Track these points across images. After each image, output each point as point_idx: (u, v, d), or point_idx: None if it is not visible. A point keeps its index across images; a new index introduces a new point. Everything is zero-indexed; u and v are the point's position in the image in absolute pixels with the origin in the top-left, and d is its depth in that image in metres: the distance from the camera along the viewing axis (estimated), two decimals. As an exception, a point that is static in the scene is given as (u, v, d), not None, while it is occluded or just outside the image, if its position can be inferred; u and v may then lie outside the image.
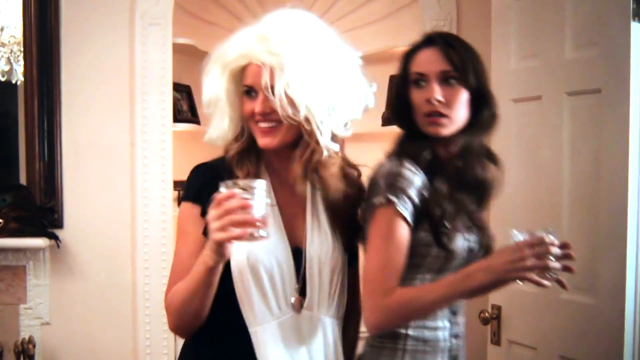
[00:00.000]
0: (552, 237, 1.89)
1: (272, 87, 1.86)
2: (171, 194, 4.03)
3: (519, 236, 1.92)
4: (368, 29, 4.70)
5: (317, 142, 1.94)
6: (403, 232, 2.03)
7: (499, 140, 2.32)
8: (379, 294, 2.01)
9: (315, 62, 1.88)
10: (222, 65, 1.95)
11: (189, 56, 4.39)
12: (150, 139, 3.98)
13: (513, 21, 3.09)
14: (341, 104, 1.96)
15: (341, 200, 2.05)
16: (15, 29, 4.05)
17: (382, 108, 4.57)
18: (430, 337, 2.10)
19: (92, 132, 3.96)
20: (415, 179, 2.03)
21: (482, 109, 2.10)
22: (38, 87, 3.89)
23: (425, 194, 2.04)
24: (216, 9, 4.80)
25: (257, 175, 1.97)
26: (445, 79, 2.07)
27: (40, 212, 3.88)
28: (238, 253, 1.86)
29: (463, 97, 2.07)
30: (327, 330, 2.03)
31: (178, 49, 4.18)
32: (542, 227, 1.94)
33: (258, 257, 1.91)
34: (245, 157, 2.00)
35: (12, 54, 4.09)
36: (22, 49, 3.96)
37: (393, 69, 4.59)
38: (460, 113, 2.08)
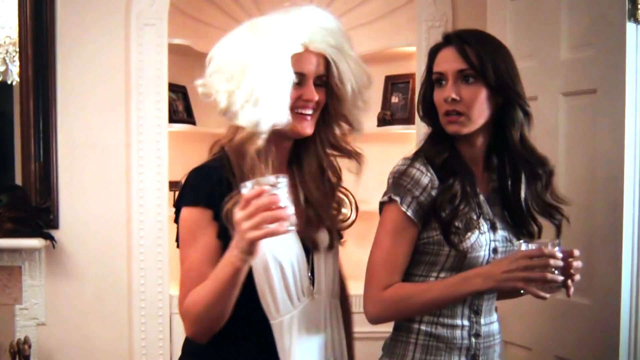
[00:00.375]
0: (556, 250, 1.90)
1: (324, 76, 2.00)
2: (167, 194, 4.03)
3: (525, 246, 1.94)
4: (363, 30, 4.69)
5: (350, 122, 2.11)
6: (406, 230, 2.07)
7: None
8: (377, 286, 2.07)
9: (355, 56, 2.04)
10: (283, 49, 1.93)
11: (184, 57, 4.39)
12: (146, 139, 3.98)
13: (508, 22, 3.09)
14: (367, 95, 2.12)
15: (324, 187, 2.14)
16: (10, 30, 4.05)
17: (378, 108, 4.57)
18: (444, 334, 2.11)
19: (87, 133, 3.96)
20: (422, 178, 2.06)
21: (509, 105, 2.09)
22: (33, 87, 3.89)
23: (434, 193, 2.05)
24: (211, 10, 4.79)
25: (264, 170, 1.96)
26: (463, 78, 2.06)
27: (35, 212, 3.88)
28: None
29: (482, 95, 2.06)
30: (332, 311, 2.11)
31: (173, 50, 4.18)
32: (550, 239, 1.96)
33: (279, 251, 1.94)
34: (262, 153, 1.96)
35: (8, 54, 4.08)
36: (17, 49, 3.96)
37: (388, 69, 4.61)
38: (479, 111, 2.07)
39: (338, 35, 2.01)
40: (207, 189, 1.92)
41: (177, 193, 2.09)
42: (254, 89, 1.89)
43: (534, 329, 2.93)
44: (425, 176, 2.06)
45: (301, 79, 1.96)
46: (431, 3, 4.08)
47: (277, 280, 1.94)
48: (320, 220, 2.09)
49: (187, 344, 2.12)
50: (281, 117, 1.92)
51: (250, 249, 1.70)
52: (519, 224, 2.17)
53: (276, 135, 1.98)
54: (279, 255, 1.94)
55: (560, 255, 1.89)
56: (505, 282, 1.93)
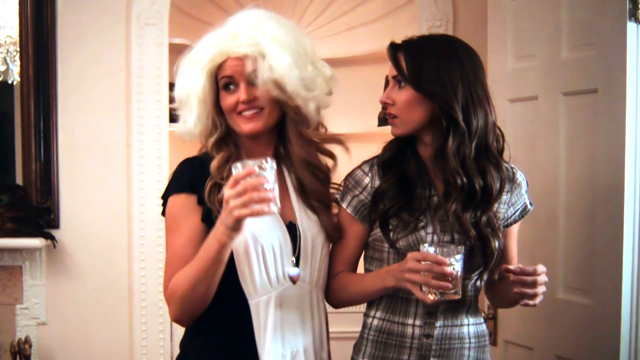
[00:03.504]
0: (456, 257, 1.92)
1: (255, 74, 2.03)
2: (167, 194, 4.03)
3: (424, 249, 1.97)
4: (364, 29, 4.70)
5: (304, 115, 2.13)
6: (350, 226, 2.23)
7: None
8: (330, 275, 2.25)
9: (288, 47, 2.06)
10: (199, 65, 2.08)
11: (185, 56, 4.39)
12: (147, 139, 3.98)
13: (509, 21, 3.09)
14: (315, 81, 2.13)
15: (316, 177, 2.22)
16: (11, 29, 4.05)
17: (379, 108, 4.57)
18: (395, 331, 2.17)
19: (88, 132, 3.95)
20: (364, 179, 2.19)
21: (438, 111, 2.08)
22: (34, 87, 3.89)
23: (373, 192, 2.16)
24: (212, 9, 4.79)
25: (237, 158, 2.05)
26: (397, 82, 2.14)
27: (36, 212, 3.88)
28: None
29: (409, 99, 2.10)
30: (314, 301, 2.18)
31: (174, 49, 4.16)
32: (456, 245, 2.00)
33: (260, 232, 2.04)
34: (223, 144, 2.12)
35: (9, 54, 4.08)
36: (18, 49, 3.95)
37: (389, 69, 4.61)
38: (408, 114, 2.11)
39: (263, 33, 2.05)
40: (189, 175, 2.08)
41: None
42: (181, 107, 2.16)
43: (534, 329, 2.93)
44: (366, 176, 2.19)
45: (232, 83, 2.08)
46: (432, 3, 4.07)
47: (255, 261, 2.03)
48: (312, 208, 2.19)
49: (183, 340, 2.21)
50: (196, 127, 2.12)
51: (235, 225, 1.82)
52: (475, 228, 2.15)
53: (242, 136, 2.14)
54: (260, 237, 2.04)
55: (449, 261, 1.91)
56: (399, 282, 2.01)
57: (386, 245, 2.14)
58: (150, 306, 3.99)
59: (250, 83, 2.05)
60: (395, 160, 2.18)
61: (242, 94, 2.06)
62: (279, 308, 2.07)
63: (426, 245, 1.97)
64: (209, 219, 2.01)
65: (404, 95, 2.11)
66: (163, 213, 2.13)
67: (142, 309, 3.99)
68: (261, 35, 2.03)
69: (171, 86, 4.09)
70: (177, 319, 2.06)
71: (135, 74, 3.97)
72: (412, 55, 2.11)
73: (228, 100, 2.09)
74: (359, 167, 2.23)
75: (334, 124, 2.26)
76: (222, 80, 2.09)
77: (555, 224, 2.80)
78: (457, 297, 1.96)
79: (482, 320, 2.28)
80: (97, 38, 3.96)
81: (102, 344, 3.97)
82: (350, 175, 2.23)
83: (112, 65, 3.97)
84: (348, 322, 2.46)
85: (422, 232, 2.11)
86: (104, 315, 3.97)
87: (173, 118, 4.26)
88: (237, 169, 1.81)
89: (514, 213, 2.26)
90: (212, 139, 2.12)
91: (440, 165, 2.09)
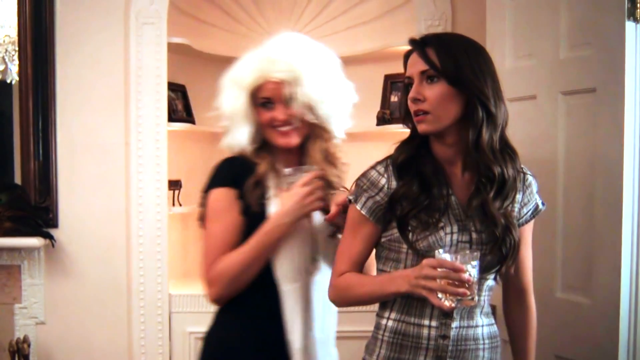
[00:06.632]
0: (472, 263, 1.91)
1: (291, 98, 2.29)
2: (166, 193, 4.02)
3: (439, 255, 1.95)
4: (363, 29, 4.69)
5: (330, 137, 2.40)
6: (361, 227, 2.20)
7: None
8: (335, 274, 2.25)
9: (322, 73, 2.34)
10: (240, 86, 2.34)
11: (183, 56, 4.38)
12: (145, 138, 3.98)
13: (508, 21, 3.09)
14: (343, 102, 2.40)
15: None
16: (10, 29, 4.06)
17: (377, 107, 4.57)
18: (411, 332, 2.14)
19: (86, 132, 3.96)
20: (379, 179, 2.15)
21: (471, 103, 2.06)
22: (33, 86, 3.90)
23: (390, 193, 2.13)
24: (211, 9, 4.78)
25: (273, 164, 2.37)
26: (427, 78, 2.09)
27: (35, 211, 3.89)
28: None
29: (444, 93, 2.06)
30: (325, 294, 2.32)
31: (173, 49, 4.17)
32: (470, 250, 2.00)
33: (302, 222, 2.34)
34: (261, 152, 2.39)
35: (7, 53, 4.09)
36: (17, 48, 3.97)
37: (388, 68, 4.61)
38: (443, 109, 2.07)
39: (299, 61, 2.31)
40: (232, 172, 2.34)
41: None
42: (229, 122, 2.41)
43: (533, 328, 2.93)
44: (382, 177, 2.15)
45: (270, 102, 2.34)
46: (430, 2, 4.08)
47: (293, 249, 2.32)
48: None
49: (218, 316, 2.43)
50: (245, 140, 2.38)
51: (308, 214, 2.28)
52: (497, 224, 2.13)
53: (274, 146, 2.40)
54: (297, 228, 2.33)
55: (465, 267, 1.90)
56: (413, 288, 1.99)
57: (404, 246, 2.12)
58: (149, 305, 3.99)
59: (286, 104, 2.30)
60: (411, 161, 2.16)
61: (279, 114, 2.32)
62: (304, 297, 2.33)
63: (441, 251, 1.96)
64: (246, 213, 2.28)
65: (436, 90, 2.07)
66: (202, 205, 2.36)
67: (140, 308, 4.00)
68: (297, 63, 2.29)
69: (170, 85, 4.12)
70: (220, 298, 2.31)
71: (133, 73, 3.97)
72: (443, 49, 2.08)
73: (265, 115, 2.34)
74: (373, 167, 2.18)
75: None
76: (260, 99, 2.34)
77: (554, 223, 2.80)
78: (473, 303, 1.99)
79: (493, 321, 2.27)
80: (95, 37, 3.96)
81: (101, 343, 3.98)
82: (364, 175, 2.18)
83: (110, 65, 3.97)
84: (358, 321, 2.45)
85: (442, 233, 2.09)
86: (102, 314, 3.98)
87: (171, 117, 4.27)
88: (294, 173, 2.28)
89: (527, 213, 2.25)
90: (252, 148, 2.38)
91: (476, 158, 2.07)
